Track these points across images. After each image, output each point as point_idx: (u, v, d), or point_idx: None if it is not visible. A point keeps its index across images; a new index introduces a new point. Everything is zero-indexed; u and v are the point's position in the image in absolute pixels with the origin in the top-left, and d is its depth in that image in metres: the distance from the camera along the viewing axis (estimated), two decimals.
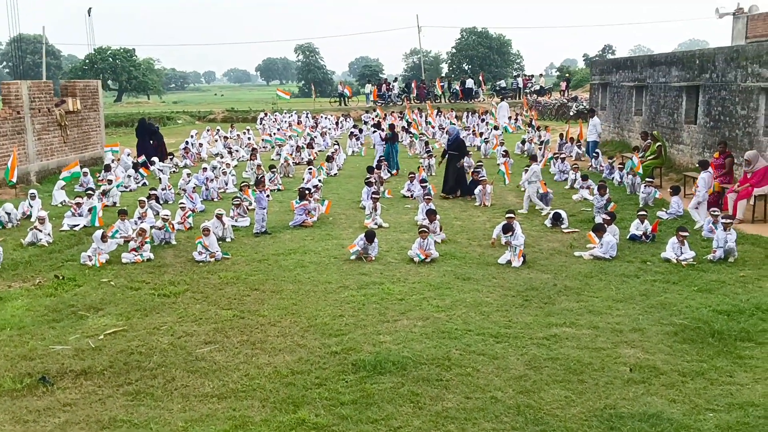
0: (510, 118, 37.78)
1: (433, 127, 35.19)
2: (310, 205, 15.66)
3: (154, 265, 12.50)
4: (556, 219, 14.94)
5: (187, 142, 28.04)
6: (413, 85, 51.22)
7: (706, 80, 19.46)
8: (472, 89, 49.70)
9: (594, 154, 23.20)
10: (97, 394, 7.45)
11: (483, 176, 18.29)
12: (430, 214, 13.96)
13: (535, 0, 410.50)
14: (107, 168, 21.60)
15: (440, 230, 13.98)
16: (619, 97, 27.14)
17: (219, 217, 14.16)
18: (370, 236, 12.57)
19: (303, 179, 19.83)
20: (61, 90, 24.92)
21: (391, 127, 25.46)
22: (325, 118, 41.57)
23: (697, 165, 15.85)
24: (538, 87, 50.98)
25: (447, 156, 19.23)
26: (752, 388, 7.28)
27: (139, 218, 15.09)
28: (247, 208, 16.14)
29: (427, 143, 26.82)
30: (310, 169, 20.41)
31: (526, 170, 18.86)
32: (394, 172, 22.59)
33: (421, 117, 37.06)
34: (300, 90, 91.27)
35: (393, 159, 23.17)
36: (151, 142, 25.60)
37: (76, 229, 15.32)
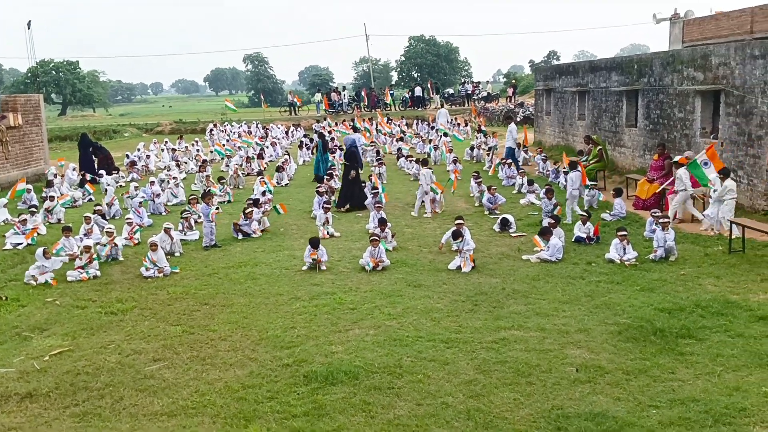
0: (456, 124, 38.10)
1: (384, 135, 35.37)
2: (255, 216, 15.61)
3: (100, 283, 12.27)
4: (504, 223, 15.18)
5: (128, 155, 27.56)
6: (363, 93, 51.35)
7: (644, 84, 20.06)
8: (421, 97, 50.05)
9: (543, 157, 23.61)
10: (42, 417, 7.29)
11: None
12: (381, 223, 14.06)
13: (482, 7, 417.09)
14: (49, 184, 21.12)
15: (392, 238, 14.07)
16: (563, 103, 27.73)
17: (167, 231, 13.99)
18: (314, 243, 12.59)
19: (253, 190, 19.72)
20: (2, 105, 24.28)
21: (321, 135, 25.27)
22: (276, 127, 41.42)
23: (569, 163, 17.30)
24: (485, 93, 51.62)
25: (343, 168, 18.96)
26: (693, 383, 7.53)
27: (85, 234, 14.80)
28: (196, 221, 15.97)
29: (378, 151, 26.99)
30: (261, 179, 20.29)
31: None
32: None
33: (372, 125, 37.18)
34: (249, 100, 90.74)
35: (321, 168, 22.80)
36: (95, 156, 25.04)
37: (20, 247, 14.94)
